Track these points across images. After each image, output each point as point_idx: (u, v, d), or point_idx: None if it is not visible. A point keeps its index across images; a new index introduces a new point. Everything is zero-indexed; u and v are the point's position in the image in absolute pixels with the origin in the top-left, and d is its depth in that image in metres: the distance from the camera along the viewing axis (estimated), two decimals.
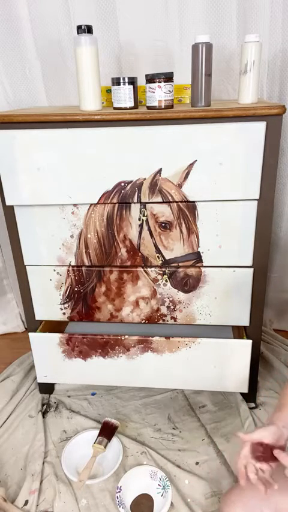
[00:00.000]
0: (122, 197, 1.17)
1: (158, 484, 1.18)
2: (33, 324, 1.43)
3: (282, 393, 0.93)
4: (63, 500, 1.17)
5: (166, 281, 1.28)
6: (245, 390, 1.40)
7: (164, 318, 1.34)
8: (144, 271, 1.28)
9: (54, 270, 1.31)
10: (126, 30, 1.44)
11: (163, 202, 1.17)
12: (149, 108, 1.14)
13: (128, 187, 1.15)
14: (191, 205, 1.17)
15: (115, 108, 1.18)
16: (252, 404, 1.47)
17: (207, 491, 1.18)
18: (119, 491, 1.14)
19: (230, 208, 1.16)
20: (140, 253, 1.25)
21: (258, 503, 0.90)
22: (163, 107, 1.12)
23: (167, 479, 1.18)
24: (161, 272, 1.27)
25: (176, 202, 1.16)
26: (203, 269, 1.25)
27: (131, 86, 1.14)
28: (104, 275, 1.30)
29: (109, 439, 1.31)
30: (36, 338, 1.42)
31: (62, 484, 1.21)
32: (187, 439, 1.36)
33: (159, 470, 1.21)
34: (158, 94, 1.11)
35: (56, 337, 1.40)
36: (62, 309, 1.37)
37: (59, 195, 1.18)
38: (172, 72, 1.12)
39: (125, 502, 1.13)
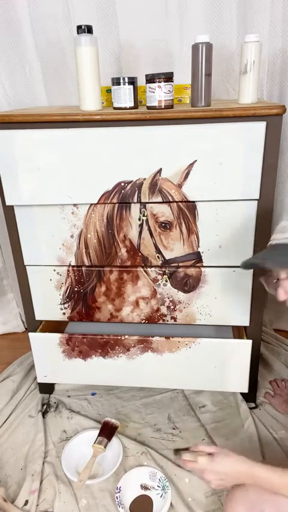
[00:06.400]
0: (122, 197, 1.17)
1: (158, 485, 1.18)
2: (33, 324, 1.43)
3: None
4: (63, 500, 1.17)
5: (166, 281, 1.28)
6: (245, 390, 1.40)
7: (164, 318, 1.34)
8: (144, 271, 1.28)
9: (54, 270, 1.31)
10: (126, 30, 1.44)
11: (163, 202, 1.17)
12: (149, 108, 1.14)
13: (128, 187, 1.15)
14: (191, 205, 1.17)
15: (115, 108, 1.18)
16: (252, 404, 1.47)
17: (208, 490, 1.17)
18: (119, 492, 1.14)
19: (230, 208, 1.16)
20: (140, 253, 1.25)
21: (260, 501, 0.91)
22: (163, 107, 1.12)
23: (167, 480, 1.18)
24: (161, 272, 1.27)
25: (176, 202, 1.16)
26: (203, 269, 1.25)
27: (131, 86, 1.14)
28: (104, 275, 1.30)
29: (109, 439, 1.31)
30: (36, 338, 1.42)
31: (62, 484, 1.21)
32: (187, 439, 1.36)
33: (158, 471, 1.21)
34: (158, 94, 1.11)
35: (56, 337, 1.40)
36: (62, 309, 1.37)
37: (59, 195, 1.18)
38: (172, 72, 1.12)
39: (124, 502, 1.13)
